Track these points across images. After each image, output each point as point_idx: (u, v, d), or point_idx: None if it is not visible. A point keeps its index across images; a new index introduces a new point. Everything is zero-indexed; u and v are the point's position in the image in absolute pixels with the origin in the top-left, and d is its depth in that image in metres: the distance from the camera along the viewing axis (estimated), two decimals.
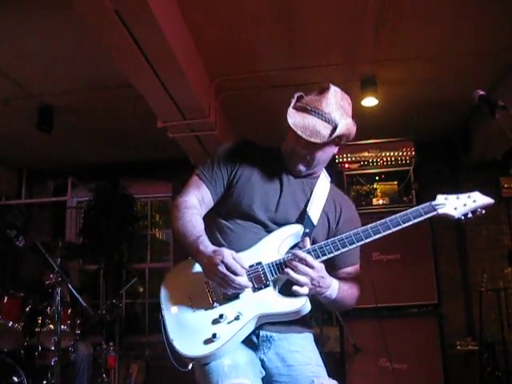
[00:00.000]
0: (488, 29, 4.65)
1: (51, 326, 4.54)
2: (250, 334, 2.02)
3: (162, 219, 8.57)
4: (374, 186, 5.38)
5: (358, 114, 6.10)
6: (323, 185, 2.24)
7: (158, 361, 6.62)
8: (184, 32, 4.51)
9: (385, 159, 5.35)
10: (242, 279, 1.88)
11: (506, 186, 6.97)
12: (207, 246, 1.96)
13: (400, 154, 5.34)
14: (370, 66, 5.15)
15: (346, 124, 2.06)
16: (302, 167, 2.16)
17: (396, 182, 5.40)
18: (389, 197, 5.28)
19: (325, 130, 2.02)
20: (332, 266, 2.12)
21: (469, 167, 6.78)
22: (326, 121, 2.04)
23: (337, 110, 2.07)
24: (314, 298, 2.04)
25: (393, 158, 5.34)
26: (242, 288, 1.91)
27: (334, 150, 2.18)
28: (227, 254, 1.88)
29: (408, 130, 5.67)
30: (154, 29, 3.81)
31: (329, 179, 2.30)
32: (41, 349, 4.68)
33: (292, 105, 2.11)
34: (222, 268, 1.85)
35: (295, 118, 2.05)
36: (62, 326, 4.48)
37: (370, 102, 5.64)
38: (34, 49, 4.79)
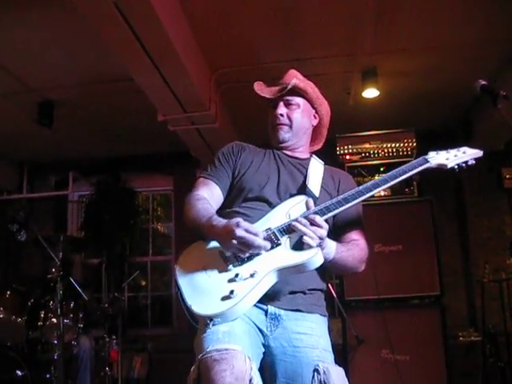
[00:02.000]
0: (489, 18, 4.63)
1: (54, 320, 4.55)
2: (258, 311, 2.06)
3: (164, 212, 8.57)
4: (376, 177, 5.36)
5: (359, 105, 6.12)
6: (317, 164, 2.39)
7: (161, 353, 6.66)
8: (184, 25, 4.50)
9: (386, 150, 5.33)
10: (260, 239, 1.92)
11: (507, 176, 6.95)
12: (220, 220, 2.03)
13: (401, 145, 5.32)
14: (371, 57, 5.13)
15: (302, 81, 2.36)
16: (283, 133, 2.37)
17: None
18: (390, 188, 5.26)
19: (281, 86, 2.36)
20: (337, 230, 2.22)
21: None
22: (283, 84, 2.36)
23: (296, 79, 2.36)
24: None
25: (394, 150, 5.32)
26: (261, 248, 1.93)
27: (311, 116, 2.42)
28: (240, 219, 1.95)
29: (409, 121, 5.65)
30: (154, 22, 3.80)
31: (322, 162, 2.43)
32: (44, 343, 4.70)
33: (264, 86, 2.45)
34: (239, 231, 1.89)
35: (261, 89, 2.42)
36: (65, 320, 4.50)
37: (370, 93, 5.64)
38: (34, 43, 4.77)
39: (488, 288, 5.75)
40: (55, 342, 4.42)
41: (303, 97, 2.37)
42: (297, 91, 2.34)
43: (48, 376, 4.54)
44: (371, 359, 4.80)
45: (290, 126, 2.36)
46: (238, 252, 1.96)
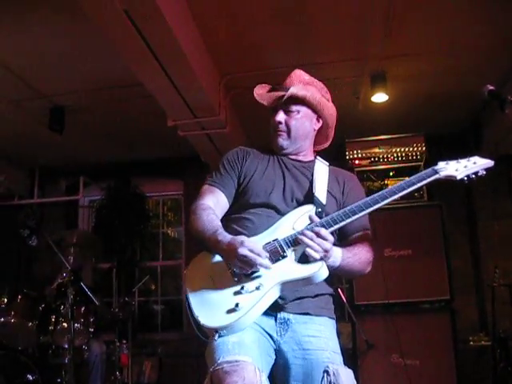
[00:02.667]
0: (499, 22, 4.62)
1: (65, 325, 4.57)
2: (268, 316, 2.08)
3: (174, 217, 8.59)
4: (385, 182, 5.36)
5: (368, 109, 6.11)
6: (322, 166, 2.38)
7: (171, 358, 6.67)
8: (193, 30, 4.52)
9: (395, 155, 5.33)
10: (262, 259, 1.95)
11: None
12: (225, 235, 2.05)
13: (411, 149, 5.32)
14: (380, 61, 5.13)
15: (302, 88, 2.32)
16: (281, 140, 2.36)
17: (407, 178, 5.37)
18: None
19: (280, 93, 2.32)
20: (343, 234, 2.22)
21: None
22: (284, 89, 2.33)
23: (298, 82, 2.35)
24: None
25: (403, 154, 5.32)
26: (263, 266, 1.96)
27: (312, 121, 2.38)
28: (245, 237, 1.98)
29: (419, 126, 5.64)
30: (164, 28, 3.83)
31: (327, 164, 2.42)
32: (54, 347, 4.73)
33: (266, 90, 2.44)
34: (242, 250, 1.92)
35: (262, 94, 2.40)
36: (76, 325, 4.52)
37: (380, 97, 5.63)
38: (45, 50, 4.83)
39: (498, 292, 5.71)
40: (66, 346, 4.43)
41: (303, 103, 2.34)
42: (295, 99, 2.32)
43: (59, 380, 4.57)
44: (381, 364, 4.80)
45: (289, 134, 2.35)
46: (240, 270, 1.99)
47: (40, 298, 4.83)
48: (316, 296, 2.19)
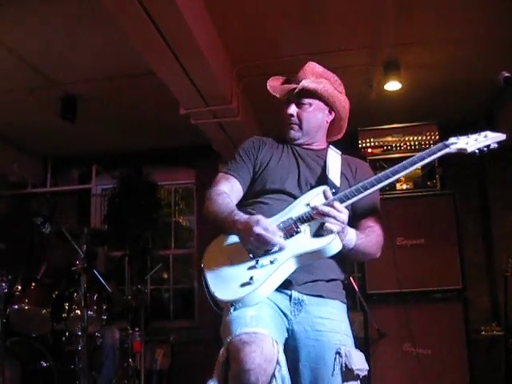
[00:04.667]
0: None
1: (78, 312, 4.61)
2: (282, 296, 2.12)
3: (186, 206, 8.61)
4: None
5: (381, 98, 6.07)
6: (334, 154, 2.43)
7: (183, 346, 6.72)
8: (206, 19, 4.51)
9: (408, 143, 5.30)
10: (277, 237, 2.00)
11: None
12: (242, 215, 2.10)
13: (424, 138, 5.28)
14: (393, 49, 5.09)
15: (314, 81, 2.35)
16: (293, 132, 2.41)
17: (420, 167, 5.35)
18: (413, 181, 5.23)
19: (292, 86, 2.36)
20: (355, 215, 2.25)
21: (494, 151, 6.69)
22: (296, 82, 2.36)
23: (311, 74, 2.39)
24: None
25: (416, 143, 5.28)
26: (277, 245, 2.00)
27: (324, 113, 2.42)
28: (260, 216, 2.03)
29: (432, 114, 5.60)
30: (177, 16, 3.82)
31: (339, 152, 2.47)
32: (68, 334, 4.76)
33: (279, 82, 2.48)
34: (257, 228, 1.96)
35: (274, 86, 2.44)
36: (89, 312, 4.55)
37: (393, 86, 5.59)
38: (57, 38, 4.83)
39: (511, 282, 5.69)
40: (79, 333, 4.46)
41: (315, 96, 2.37)
42: (307, 92, 2.35)
43: (72, 367, 4.60)
44: (393, 353, 4.80)
45: (300, 126, 2.40)
46: (255, 249, 2.02)
47: (53, 286, 4.86)
48: (329, 281, 2.23)
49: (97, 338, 4.85)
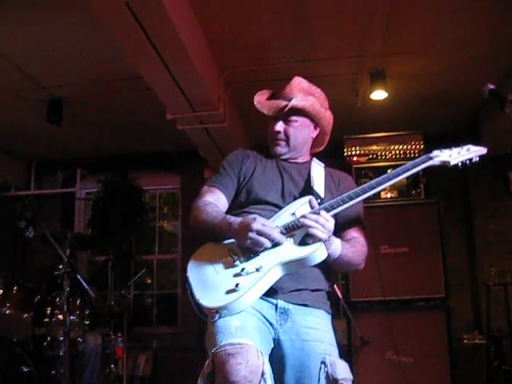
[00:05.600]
0: (499, 23, 4.64)
1: (60, 317, 4.55)
2: (268, 305, 2.12)
3: (171, 211, 8.59)
4: None
5: (367, 107, 6.11)
6: (318, 167, 2.44)
7: (166, 352, 6.68)
8: (194, 24, 4.52)
9: (393, 152, 5.33)
10: (276, 232, 2.03)
11: None
12: (236, 218, 2.13)
13: (409, 147, 5.31)
14: (380, 59, 5.14)
15: (303, 99, 2.36)
16: (280, 148, 2.42)
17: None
18: (397, 190, 5.26)
19: (281, 104, 2.36)
20: (339, 226, 2.23)
21: (477, 161, 6.74)
22: (284, 99, 2.37)
23: (298, 91, 2.39)
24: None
25: (401, 152, 5.32)
26: (277, 241, 2.02)
27: (310, 129, 2.44)
28: (257, 215, 2.07)
29: (417, 124, 5.65)
30: (164, 21, 3.82)
31: (322, 164, 2.48)
32: (50, 339, 4.70)
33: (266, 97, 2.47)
34: (256, 224, 1.99)
35: (262, 102, 2.43)
36: (71, 317, 4.50)
37: (379, 95, 5.65)
38: (44, 41, 4.82)
39: (493, 291, 5.74)
40: (61, 338, 4.41)
41: (302, 113, 2.39)
42: (295, 110, 2.36)
43: (53, 372, 4.54)
44: (376, 360, 4.81)
45: (287, 142, 2.41)
46: (254, 246, 2.02)
47: (36, 290, 4.81)
48: (315, 290, 2.23)
49: (79, 343, 4.80)
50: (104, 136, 7.11)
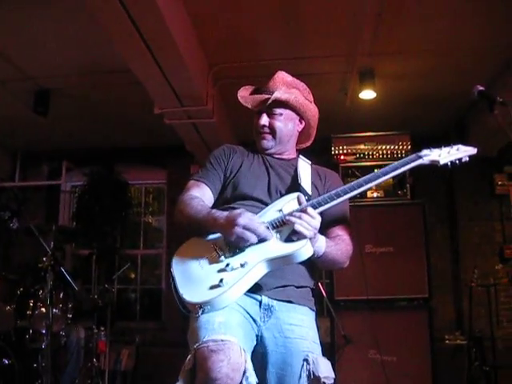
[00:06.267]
0: (488, 25, 4.67)
1: (43, 310, 4.52)
2: (252, 301, 2.11)
3: (156, 206, 8.56)
4: None
5: (355, 106, 6.11)
6: (304, 164, 2.44)
7: (148, 347, 6.66)
8: (184, 19, 4.50)
9: (381, 152, 5.35)
10: (263, 227, 2.02)
11: (499, 183, 7.02)
12: (222, 212, 2.11)
13: (396, 147, 5.34)
14: (369, 58, 5.14)
15: (286, 92, 2.37)
16: (265, 142, 2.42)
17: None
18: (383, 190, 5.28)
19: (265, 97, 2.37)
20: (325, 224, 2.21)
21: (463, 163, 6.77)
22: (268, 92, 2.38)
23: (282, 85, 2.40)
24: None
25: (389, 152, 5.34)
26: (263, 236, 2.01)
27: (295, 122, 2.44)
28: (243, 210, 2.06)
29: (405, 124, 5.67)
30: (154, 13, 3.81)
31: (309, 162, 2.48)
32: (32, 332, 4.67)
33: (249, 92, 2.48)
34: (242, 219, 1.98)
35: (245, 97, 2.44)
36: (54, 310, 4.47)
37: (367, 94, 5.66)
38: (33, 31, 4.77)
39: (476, 292, 5.78)
40: (43, 331, 4.38)
41: (286, 106, 2.39)
42: (279, 103, 2.37)
43: (35, 365, 4.51)
44: (358, 359, 4.83)
45: (273, 135, 2.41)
46: (240, 241, 2.01)
47: (18, 282, 4.78)
48: (299, 287, 2.22)
49: (61, 336, 4.77)
50: (91, 129, 7.06)
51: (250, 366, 1.85)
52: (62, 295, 4.73)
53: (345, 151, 5.40)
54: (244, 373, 1.81)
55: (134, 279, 7.99)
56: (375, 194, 5.26)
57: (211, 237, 2.13)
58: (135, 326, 7.30)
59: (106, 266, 6.61)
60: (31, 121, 6.13)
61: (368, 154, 5.36)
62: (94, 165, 7.46)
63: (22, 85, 5.71)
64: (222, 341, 1.83)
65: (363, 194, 5.17)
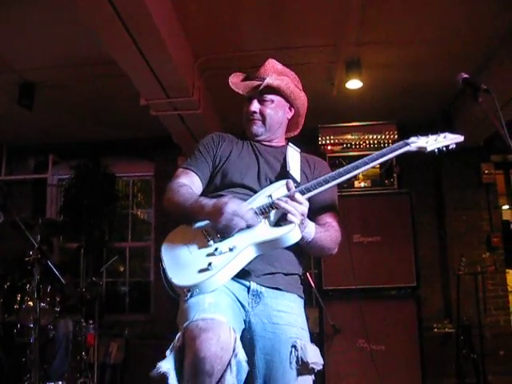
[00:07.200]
0: (474, 14, 4.67)
1: (30, 303, 4.49)
2: (241, 287, 2.12)
3: (144, 198, 8.53)
4: None
5: (342, 96, 6.10)
6: (293, 152, 2.45)
7: (138, 340, 6.66)
8: (169, 10, 4.47)
9: (367, 142, 5.34)
10: (251, 213, 2.05)
11: (486, 172, 7.06)
12: (209, 199, 2.13)
13: (383, 137, 5.33)
14: (355, 48, 5.14)
15: (277, 79, 2.38)
16: (256, 128, 2.42)
17: (378, 165, 5.41)
18: (370, 180, 5.28)
19: (256, 83, 2.38)
20: (314, 210, 2.24)
21: (450, 152, 6.80)
22: (259, 79, 2.38)
23: (272, 72, 2.41)
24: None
25: (375, 141, 5.33)
26: (250, 222, 2.04)
27: (285, 110, 2.45)
28: (230, 196, 2.10)
29: (391, 114, 5.67)
30: (139, 4, 3.77)
31: (298, 150, 2.49)
32: (19, 326, 4.65)
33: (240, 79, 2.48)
34: (230, 206, 2.00)
35: (237, 83, 2.44)
36: (42, 304, 4.45)
37: (354, 84, 5.66)
38: (16, 23, 4.71)
39: (463, 281, 5.83)
40: (31, 325, 4.36)
41: (277, 93, 2.40)
42: (270, 89, 2.37)
43: (23, 360, 4.50)
44: (347, 348, 4.84)
45: (263, 122, 2.41)
46: (227, 228, 2.02)
47: (5, 276, 4.75)
48: (288, 274, 2.24)
49: (49, 330, 4.75)
50: (77, 121, 7.02)
51: (239, 345, 1.85)
52: (49, 289, 4.71)
53: (332, 141, 5.39)
54: (233, 351, 1.81)
55: (122, 272, 7.95)
56: (362, 184, 5.26)
57: (200, 224, 2.14)
58: (124, 318, 7.29)
59: (94, 259, 6.59)
60: (16, 114, 6.08)
61: (355, 144, 5.35)
62: (81, 158, 7.40)
63: (6, 77, 5.66)
64: (212, 320, 1.84)
65: (350, 184, 5.17)
